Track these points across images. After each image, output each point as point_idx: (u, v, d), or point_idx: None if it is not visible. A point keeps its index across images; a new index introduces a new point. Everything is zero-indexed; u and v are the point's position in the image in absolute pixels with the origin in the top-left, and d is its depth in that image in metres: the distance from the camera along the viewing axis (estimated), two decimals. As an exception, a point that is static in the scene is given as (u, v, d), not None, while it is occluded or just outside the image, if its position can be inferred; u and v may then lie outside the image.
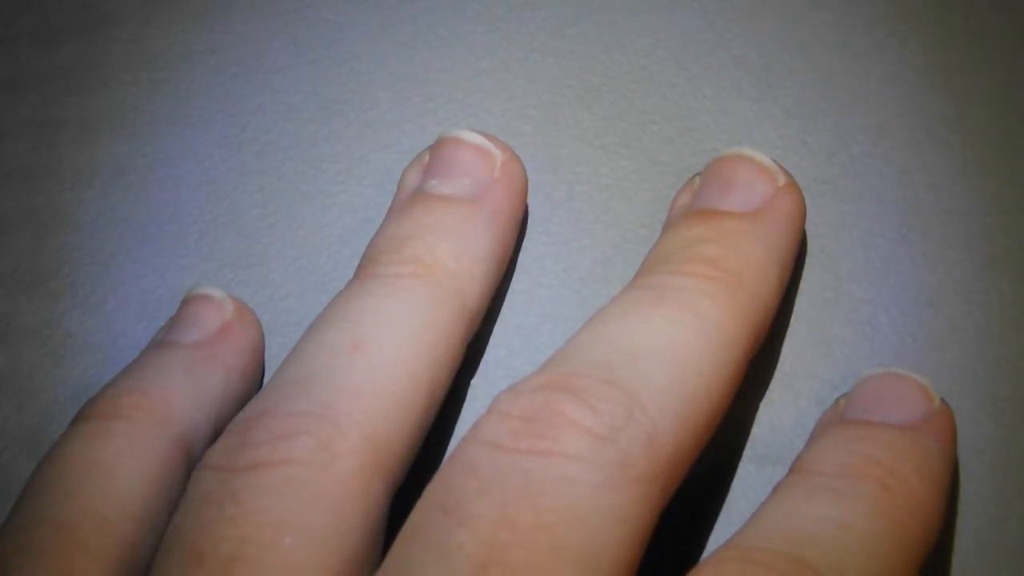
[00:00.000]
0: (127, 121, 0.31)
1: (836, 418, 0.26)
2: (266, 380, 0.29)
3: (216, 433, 0.27)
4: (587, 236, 0.29)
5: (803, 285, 0.29)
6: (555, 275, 0.29)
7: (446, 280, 0.26)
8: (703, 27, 0.31)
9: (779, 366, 0.28)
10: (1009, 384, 0.27)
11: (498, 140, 0.29)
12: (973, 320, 0.28)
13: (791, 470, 0.25)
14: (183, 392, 0.26)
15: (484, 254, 0.27)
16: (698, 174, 0.28)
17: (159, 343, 0.28)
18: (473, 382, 0.29)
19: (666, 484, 0.23)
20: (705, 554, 0.26)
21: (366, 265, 0.27)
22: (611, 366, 0.23)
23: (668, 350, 0.24)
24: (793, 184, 0.27)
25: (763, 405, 0.28)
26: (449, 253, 0.27)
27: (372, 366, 0.25)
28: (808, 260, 0.29)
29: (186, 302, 0.29)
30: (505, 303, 0.29)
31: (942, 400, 0.26)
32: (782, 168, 0.27)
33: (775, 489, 0.24)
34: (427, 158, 0.29)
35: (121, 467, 0.25)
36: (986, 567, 0.26)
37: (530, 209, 0.30)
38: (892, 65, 0.30)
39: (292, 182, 0.30)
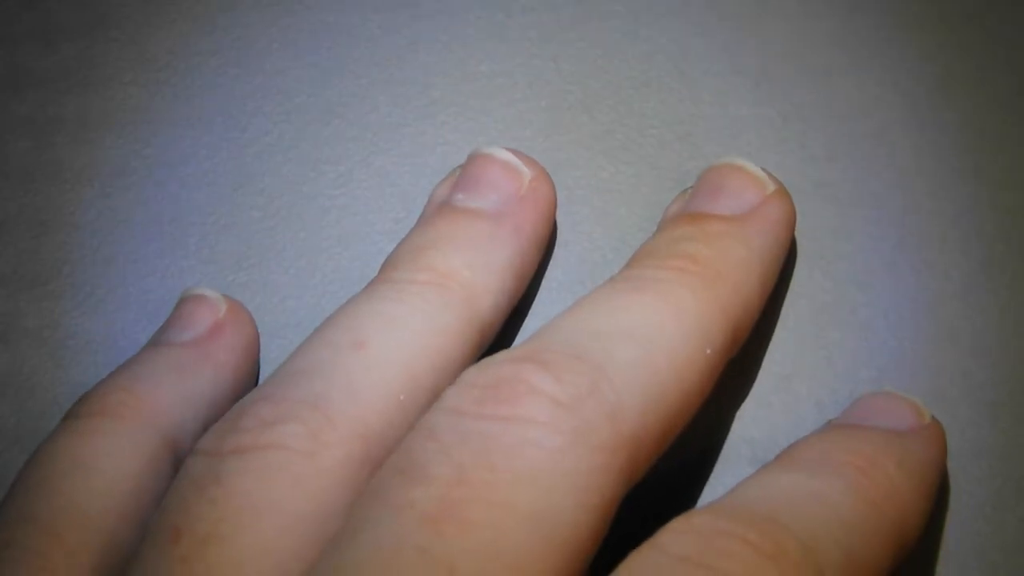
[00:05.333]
0: (127, 121, 0.31)
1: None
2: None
3: (205, 430, 0.27)
4: (586, 240, 0.29)
5: (801, 289, 0.29)
6: (554, 278, 0.29)
7: (458, 289, 0.26)
8: (702, 32, 0.31)
9: (778, 369, 0.28)
10: (1006, 388, 0.28)
11: (529, 159, 0.28)
12: (971, 324, 0.28)
13: (775, 458, 0.25)
14: (171, 390, 0.27)
15: (501, 268, 0.27)
16: (691, 187, 0.28)
17: (152, 343, 0.28)
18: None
19: (630, 459, 0.23)
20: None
21: (382, 272, 0.27)
22: (581, 344, 0.23)
23: (640, 331, 0.24)
24: (783, 192, 0.27)
25: (762, 408, 0.28)
26: (464, 263, 0.26)
27: (372, 364, 0.25)
28: (806, 264, 0.29)
29: (180, 303, 0.29)
30: (505, 305, 0.29)
31: (933, 417, 0.26)
32: (772, 177, 0.28)
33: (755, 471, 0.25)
34: (458, 173, 0.29)
35: (104, 463, 0.25)
36: (984, 569, 0.27)
37: (531, 212, 0.30)
38: (891, 70, 0.30)
39: (292, 184, 0.30)
